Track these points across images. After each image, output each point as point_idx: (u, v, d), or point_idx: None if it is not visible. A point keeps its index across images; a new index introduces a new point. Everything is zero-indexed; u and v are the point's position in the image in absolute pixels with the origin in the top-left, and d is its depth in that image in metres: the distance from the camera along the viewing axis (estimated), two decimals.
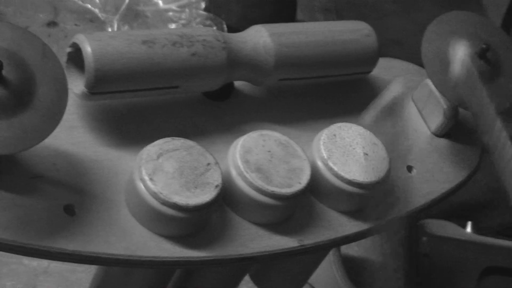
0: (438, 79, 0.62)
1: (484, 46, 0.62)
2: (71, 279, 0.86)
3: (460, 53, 0.62)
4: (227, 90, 0.61)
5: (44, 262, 0.86)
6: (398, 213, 0.62)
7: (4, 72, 0.44)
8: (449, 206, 0.66)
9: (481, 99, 0.55)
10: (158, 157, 0.51)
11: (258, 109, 0.62)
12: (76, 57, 0.53)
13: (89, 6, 1.12)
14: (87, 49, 0.51)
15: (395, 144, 0.64)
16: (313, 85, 0.65)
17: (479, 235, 0.74)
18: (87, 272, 0.85)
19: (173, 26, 1.11)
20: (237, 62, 0.58)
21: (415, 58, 0.70)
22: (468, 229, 0.77)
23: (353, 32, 0.65)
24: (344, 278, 0.77)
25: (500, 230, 0.75)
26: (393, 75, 0.71)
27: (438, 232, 0.79)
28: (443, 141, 0.67)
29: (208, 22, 1.12)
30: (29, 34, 0.48)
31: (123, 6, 1.10)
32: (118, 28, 1.09)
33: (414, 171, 0.64)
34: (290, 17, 1.22)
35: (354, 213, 0.59)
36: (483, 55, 0.62)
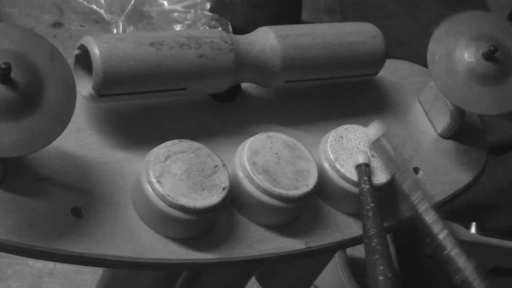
0: (442, 81, 0.62)
1: (491, 48, 0.61)
2: (76, 281, 0.86)
3: (466, 56, 0.62)
4: (234, 92, 0.61)
5: (49, 264, 0.86)
6: (404, 215, 0.61)
7: (12, 74, 0.44)
8: (453, 207, 0.66)
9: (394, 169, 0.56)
10: (165, 159, 0.51)
11: (265, 111, 0.62)
12: (83, 59, 0.53)
13: (95, 7, 1.12)
14: (95, 51, 0.51)
15: (401, 146, 0.64)
16: (320, 87, 0.65)
17: (484, 236, 0.73)
18: (92, 274, 0.85)
19: (178, 27, 1.11)
20: (244, 64, 0.58)
21: (419, 58, 0.70)
22: (473, 230, 0.77)
23: (360, 34, 0.64)
24: (350, 280, 0.77)
25: (506, 231, 0.75)
26: (399, 77, 0.71)
27: None
28: (449, 143, 0.67)
29: (213, 23, 1.12)
30: (37, 36, 0.48)
31: (129, 7, 1.10)
32: (123, 29, 1.09)
33: (421, 172, 0.64)
34: (295, 18, 1.22)
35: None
36: (490, 57, 0.62)
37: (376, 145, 0.58)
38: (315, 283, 0.71)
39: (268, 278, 0.68)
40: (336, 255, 0.80)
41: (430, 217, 0.52)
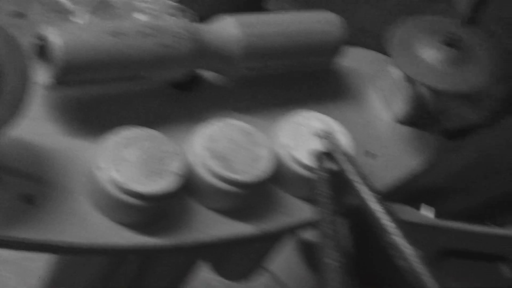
0: (402, 60, 0.63)
1: (450, 34, 0.63)
2: (29, 268, 0.85)
3: (426, 40, 0.63)
4: (195, 81, 0.62)
5: (3, 252, 0.86)
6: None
7: None
8: (409, 191, 0.67)
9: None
10: (121, 146, 0.51)
11: (224, 99, 0.63)
12: (42, 48, 0.53)
13: None
14: (56, 40, 0.51)
15: (358, 132, 0.65)
16: (280, 75, 0.66)
17: (435, 219, 0.74)
18: (44, 261, 0.85)
19: (143, 17, 1.11)
20: (205, 53, 0.58)
21: (382, 47, 0.71)
22: (424, 212, 0.76)
23: (321, 22, 0.65)
24: (303, 264, 0.77)
25: (462, 214, 0.76)
26: (359, 64, 0.72)
27: None
28: (405, 129, 0.68)
29: (178, 13, 1.12)
30: None
31: None
32: (88, 19, 1.08)
33: (377, 158, 0.65)
34: (258, 6, 1.22)
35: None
36: (450, 42, 0.63)
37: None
38: (269, 266, 0.72)
39: (220, 263, 0.68)
40: (291, 239, 0.81)
41: (375, 205, 0.52)
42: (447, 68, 0.63)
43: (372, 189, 0.54)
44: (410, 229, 0.51)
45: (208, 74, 0.63)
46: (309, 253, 0.80)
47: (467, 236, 0.72)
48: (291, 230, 0.59)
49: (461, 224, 0.72)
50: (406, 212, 0.72)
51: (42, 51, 0.54)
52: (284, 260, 0.75)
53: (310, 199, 0.58)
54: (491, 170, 0.77)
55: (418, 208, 0.75)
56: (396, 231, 0.51)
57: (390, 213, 0.52)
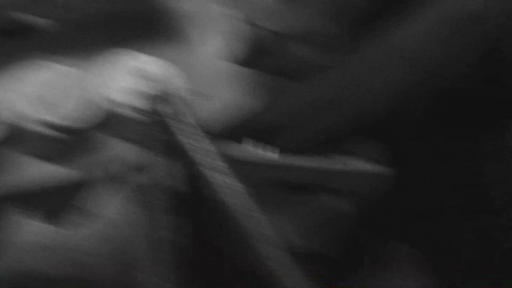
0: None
1: None
2: None
3: None
4: (19, 26, 0.60)
5: None
6: None
7: None
8: (247, 130, 0.67)
9: None
10: None
11: (49, 43, 0.61)
12: None
13: None
14: None
15: (190, 73, 0.65)
16: (102, 16, 0.64)
17: (266, 153, 0.74)
18: None
19: None
20: None
21: None
22: (248, 147, 0.76)
23: None
24: (138, 207, 0.77)
25: (300, 151, 0.77)
26: (188, 4, 0.71)
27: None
28: (242, 69, 0.68)
29: None
30: None
31: None
32: None
33: (210, 99, 0.65)
34: None
35: None
36: None
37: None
38: (103, 211, 0.72)
39: (52, 211, 0.67)
40: (123, 182, 0.80)
41: (203, 144, 0.53)
42: (281, 7, 0.63)
43: (202, 129, 0.54)
44: (240, 166, 0.52)
45: (32, 19, 0.61)
46: (142, 195, 0.80)
47: (295, 170, 0.73)
48: (121, 175, 0.58)
49: (292, 158, 0.72)
50: (239, 150, 0.72)
51: None
52: (118, 204, 0.74)
53: (138, 142, 0.58)
54: (334, 108, 0.79)
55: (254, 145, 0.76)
56: (221, 168, 0.51)
57: (217, 151, 0.52)
